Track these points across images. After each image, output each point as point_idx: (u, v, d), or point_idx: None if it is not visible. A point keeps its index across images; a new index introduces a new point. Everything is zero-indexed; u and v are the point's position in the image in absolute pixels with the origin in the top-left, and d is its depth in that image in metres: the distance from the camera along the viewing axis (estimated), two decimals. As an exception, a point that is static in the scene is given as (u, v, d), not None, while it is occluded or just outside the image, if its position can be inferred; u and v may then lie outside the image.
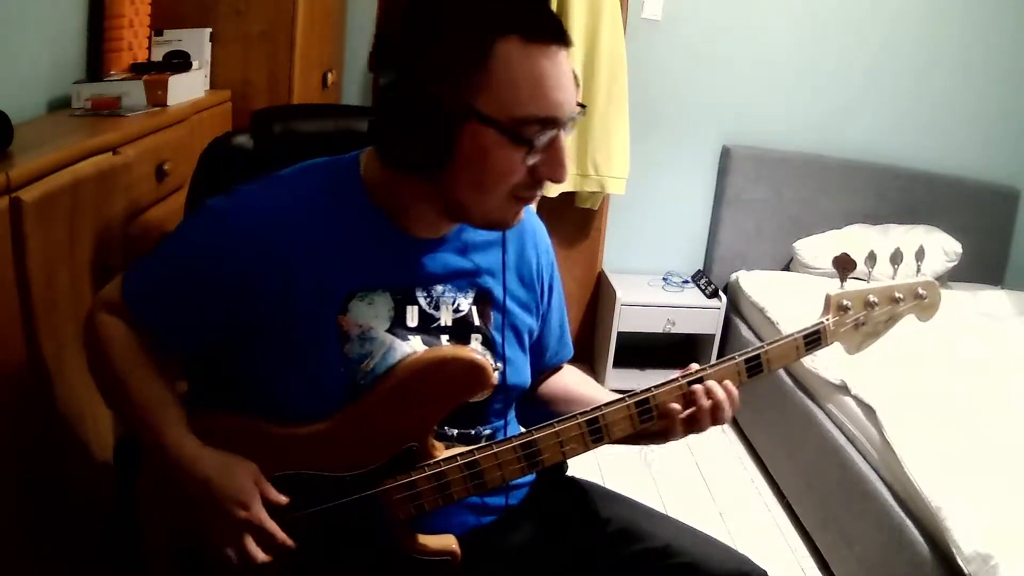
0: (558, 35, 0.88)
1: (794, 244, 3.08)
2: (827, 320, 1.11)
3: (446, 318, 1.02)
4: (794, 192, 3.12)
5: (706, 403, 0.99)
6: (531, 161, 0.89)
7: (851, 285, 1.13)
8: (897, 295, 1.15)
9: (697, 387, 1.00)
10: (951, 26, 3.13)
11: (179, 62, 1.79)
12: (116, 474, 1.11)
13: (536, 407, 1.18)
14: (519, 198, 0.93)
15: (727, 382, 1.02)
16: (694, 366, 1.03)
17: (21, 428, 1.06)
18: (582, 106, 0.94)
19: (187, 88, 1.75)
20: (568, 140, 0.92)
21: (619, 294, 2.92)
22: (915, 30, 3.11)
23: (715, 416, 1.00)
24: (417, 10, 0.88)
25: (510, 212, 0.95)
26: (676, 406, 0.99)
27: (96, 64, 1.68)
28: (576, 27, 2.64)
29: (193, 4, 1.95)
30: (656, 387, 1.00)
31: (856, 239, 2.97)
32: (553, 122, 0.88)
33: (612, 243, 3.15)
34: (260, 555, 0.91)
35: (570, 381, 1.21)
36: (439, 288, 1.02)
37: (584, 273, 3.13)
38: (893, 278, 1.16)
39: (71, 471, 1.19)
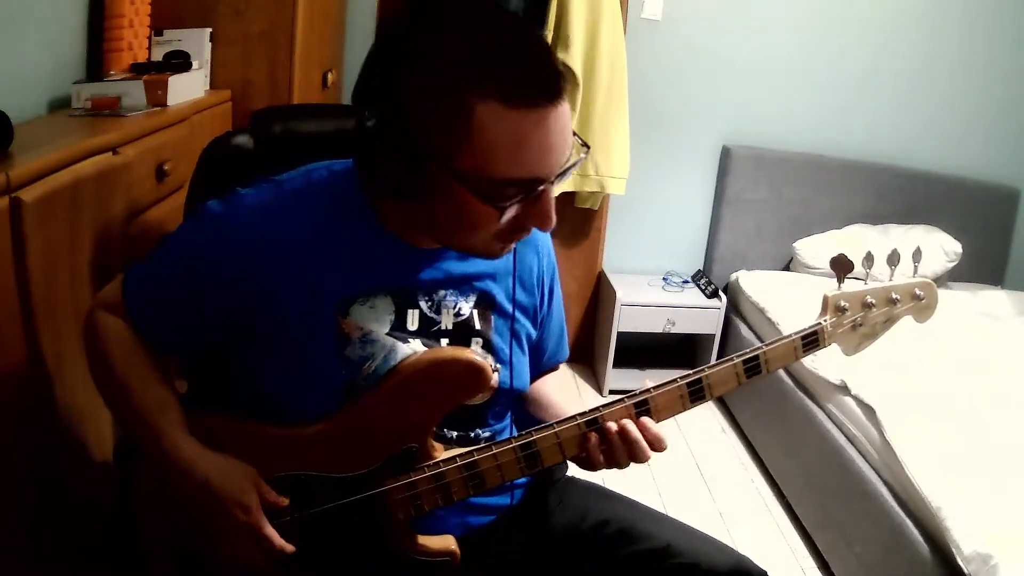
0: (546, 92, 0.83)
1: (794, 244, 3.08)
2: (825, 321, 1.11)
3: (447, 322, 1.02)
4: (794, 192, 3.12)
5: (617, 439, 0.96)
6: (507, 217, 0.87)
7: (848, 286, 1.13)
8: (894, 296, 1.15)
9: (610, 424, 0.96)
10: (951, 26, 3.13)
11: (179, 62, 1.79)
12: (116, 474, 1.11)
13: (520, 406, 1.18)
14: (504, 239, 0.93)
15: (645, 421, 0.97)
16: (648, 382, 1.00)
17: (21, 428, 1.06)
18: (586, 146, 0.92)
19: (187, 88, 1.75)
20: None
21: (619, 294, 2.92)
22: (915, 30, 3.11)
23: (632, 455, 0.97)
24: (402, 56, 0.85)
25: (494, 248, 0.94)
26: (594, 441, 0.96)
27: (96, 64, 1.68)
28: (576, 27, 2.64)
29: (193, 4, 1.95)
30: (606, 405, 0.98)
31: (856, 239, 2.97)
32: (536, 183, 0.86)
33: (612, 243, 3.15)
34: (258, 558, 0.91)
35: (551, 391, 1.19)
36: (441, 292, 1.02)
37: (584, 273, 3.13)
38: (891, 279, 1.16)
39: (71, 471, 1.19)
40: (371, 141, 0.87)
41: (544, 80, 0.84)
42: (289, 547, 0.92)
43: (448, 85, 0.82)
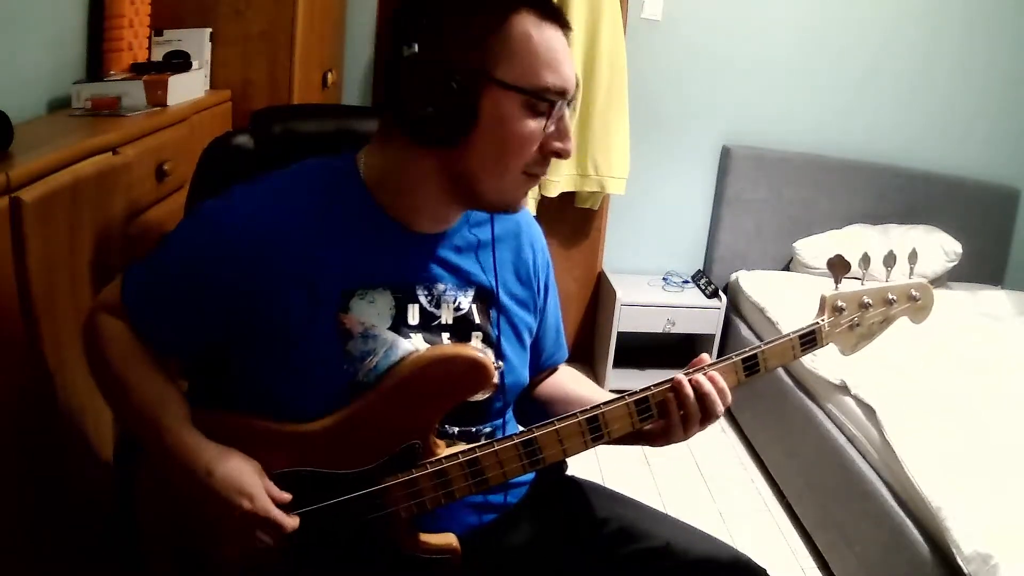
0: (564, 19, 0.93)
1: (794, 244, 3.08)
2: (822, 321, 1.11)
3: (447, 316, 1.02)
4: (794, 192, 3.12)
5: (688, 392, 0.99)
6: (549, 130, 0.92)
7: (846, 286, 1.14)
8: (891, 297, 1.16)
9: (680, 378, 0.99)
10: (951, 26, 3.13)
11: (179, 62, 1.79)
12: (116, 474, 1.11)
13: (534, 409, 1.18)
14: (529, 175, 0.95)
15: (714, 374, 1.01)
16: (705, 357, 1.02)
17: (21, 428, 1.06)
18: (577, 85, 0.98)
19: (187, 88, 1.75)
20: None
21: (619, 294, 2.92)
22: (915, 30, 3.11)
23: (704, 410, 0.99)
24: None
25: (521, 191, 0.97)
26: (672, 399, 0.99)
27: (96, 64, 1.68)
28: (576, 27, 2.64)
29: (193, 4, 1.95)
30: (655, 385, 1.00)
31: (856, 239, 2.97)
32: (564, 94, 0.92)
33: (612, 243, 3.15)
34: (267, 543, 0.91)
35: (567, 381, 1.21)
36: (440, 286, 1.02)
37: (584, 273, 3.13)
38: (887, 280, 1.17)
39: (71, 471, 1.19)
40: (414, 73, 0.90)
41: (560, 9, 0.94)
42: (296, 522, 0.92)
43: (483, 4, 0.90)
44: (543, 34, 0.90)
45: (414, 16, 0.91)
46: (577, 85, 0.96)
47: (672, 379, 1.00)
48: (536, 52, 0.90)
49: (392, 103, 0.94)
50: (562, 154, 0.95)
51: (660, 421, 1.01)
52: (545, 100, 0.91)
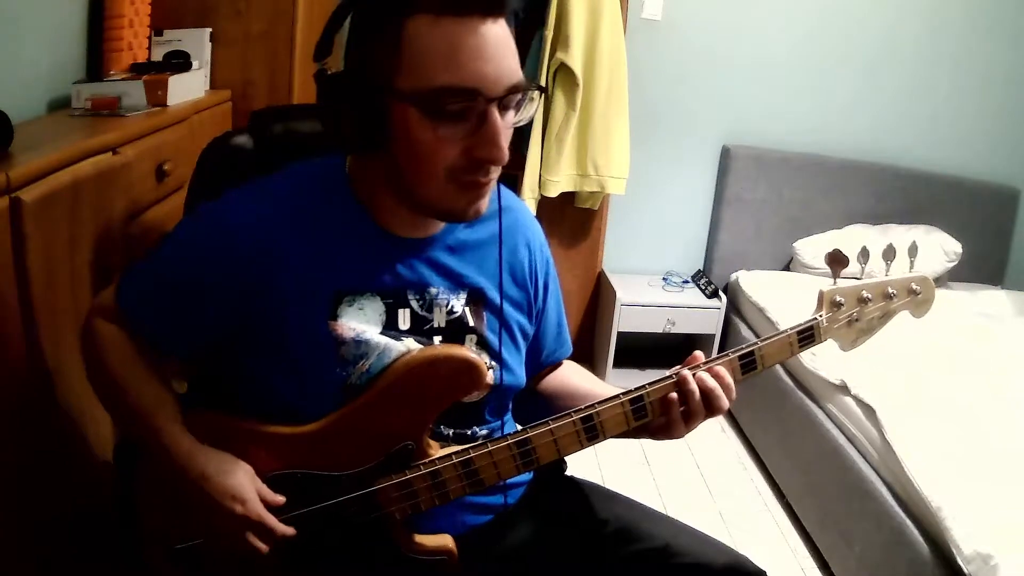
0: (477, 5, 0.84)
1: (794, 244, 3.08)
2: (820, 316, 1.10)
3: (439, 320, 1.02)
4: (794, 192, 3.12)
5: (693, 387, 0.98)
6: (454, 135, 0.86)
7: (844, 282, 1.13)
8: (890, 291, 1.14)
9: (685, 373, 0.99)
10: (951, 26, 3.13)
11: (179, 62, 1.79)
12: (116, 474, 1.11)
13: (537, 404, 1.18)
14: (461, 183, 0.90)
15: (719, 370, 1.00)
16: (699, 355, 1.02)
17: (21, 428, 1.06)
18: (542, 89, 0.94)
19: (187, 88, 1.75)
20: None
21: (619, 294, 2.92)
22: (915, 30, 3.11)
23: (709, 406, 0.99)
24: (344, 4, 0.90)
25: (458, 200, 0.92)
26: (674, 397, 0.98)
27: (96, 64, 1.68)
28: (576, 27, 2.64)
29: (193, 4, 1.95)
30: (651, 384, 0.99)
31: (856, 239, 2.97)
32: (473, 93, 0.85)
33: (612, 243, 3.15)
34: (260, 548, 0.91)
35: (571, 376, 1.21)
36: (432, 290, 1.01)
37: (584, 273, 3.13)
38: (887, 274, 1.16)
39: (71, 471, 1.19)
40: (328, 94, 0.89)
41: None
42: (289, 530, 0.92)
43: (378, 14, 0.87)
44: (439, 32, 0.84)
45: (328, 32, 0.90)
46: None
47: (677, 374, 0.99)
48: (428, 53, 0.84)
49: (319, 117, 0.93)
50: (490, 161, 0.88)
51: (661, 417, 1.00)
52: (440, 103, 0.85)
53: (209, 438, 0.94)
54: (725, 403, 1.00)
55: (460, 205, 0.93)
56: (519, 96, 0.90)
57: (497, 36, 0.86)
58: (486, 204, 0.95)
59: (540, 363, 1.19)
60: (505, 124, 0.89)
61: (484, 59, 0.85)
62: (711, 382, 0.99)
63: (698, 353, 1.02)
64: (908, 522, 1.75)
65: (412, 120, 0.86)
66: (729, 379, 1.01)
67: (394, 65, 0.86)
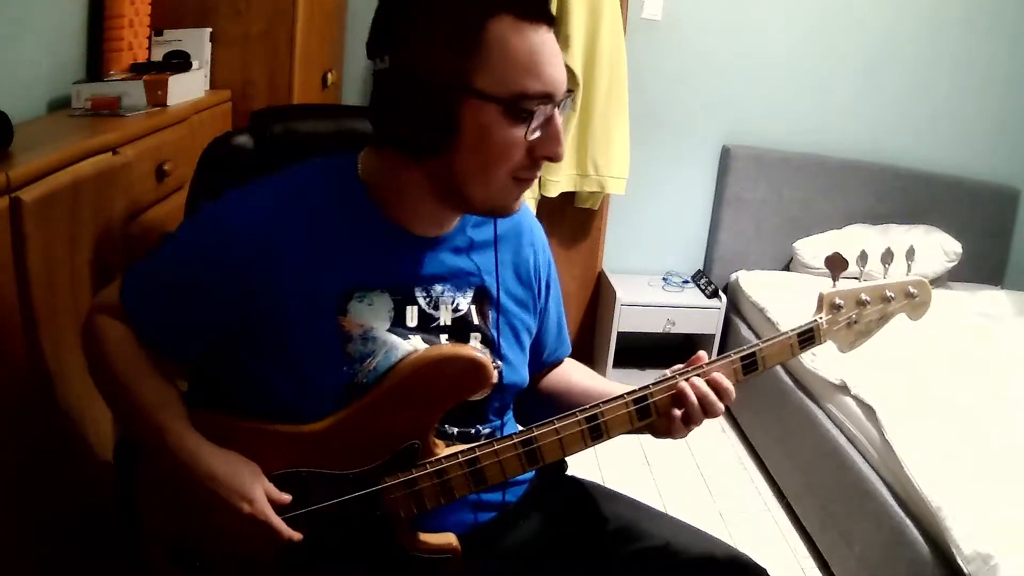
0: (547, 15, 0.90)
1: (794, 244, 3.08)
2: (820, 318, 1.11)
3: (445, 317, 1.02)
4: (794, 192, 3.12)
5: (693, 399, 0.99)
6: (532, 138, 0.90)
7: (843, 284, 1.14)
8: (888, 294, 1.15)
9: (682, 384, 0.99)
10: (951, 26, 3.13)
11: (179, 62, 1.79)
12: (116, 474, 1.11)
13: (539, 403, 1.18)
14: (519, 180, 0.94)
15: (716, 375, 1.01)
16: (703, 355, 1.02)
17: (21, 428, 1.06)
18: (570, 91, 0.95)
19: (187, 88, 1.75)
20: (568, 140, 0.93)
21: (619, 294, 2.92)
22: (915, 30, 3.11)
23: (707, 411, 0.99)
24: None
25: (511, 196, 0.95)
26: (676, 411, 0.99)
27: (96, 64, 1.68)
28: (576, 27, 2.64)
29: (193, 4, 1.96)
30: (655, 384, 1.00)
31: (856, 239, 2.97)
32: (550, 97, 0.89)
33: (612, 243, 3.15)
34: (265, 549, 0.91)
35: (572, 373, 1.21)
36: (438, 288, 1.02)
37: (584, 273, 3.13)
38: (884, 277, 1.17)
39: (71, 471, 1.19)
40: (388, 89, 0.89)
41: (544, 3, 0.91)
42: (296, 535, 0.92)
43: (459, 11, 0.86)
44: (522, 38, 0.87)
45: (390, 25, 0.90)
46: (576, 84, 0.95)
47: (675, 385, 1.00)
48: (514, 58, 0.87)
49: (374, 115, 0.94)
50: (553, 158, 0.93)
51: (662, 418, 1.00)
52: (525, 107, 0.88)
53: (214, 437, 0.94)
54: (721, 408, 1.00)
55: (510, 201, 0.96)
56: (567, 97, 0.94)
57: (557, 44, 0.92)
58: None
59: (542, 362, 1.19)
60: None
61: (555, 65, 0.90)
62: (704, 389, 0.99)
63: (701, 354, 1.03)
64: (908, 522, 1.75)
65: (491, 120, 0.88)
66: (728, 384, 1.01)
67: (474, 65, 0.86)
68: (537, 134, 0.90)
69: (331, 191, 0.98)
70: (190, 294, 0.96)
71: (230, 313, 0.95)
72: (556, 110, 0.91)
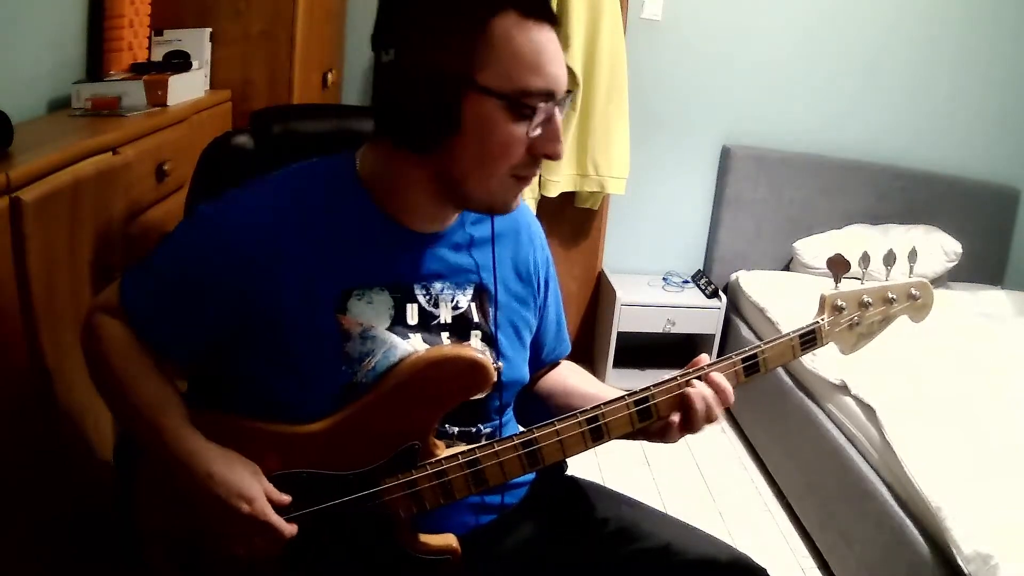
0: (550, 14, 0.91)
1: (794, 244, 3.08)
2: (822, 320, 1.11)
3: (445, 315, 1.02)
4: (794, 192, 3.12)
5: (700, 406, 0.99)
6: (533, 135, 0.90)
7: (845, 286, 1.14)
8: (891, 296, 1.15)
9: (690, 391, 0.99)
10: (951, 26, 3.13)
11: (179, 62, 1.79)
12: (116, 474, 1.11)
13: (534, 403, 1.18)
14: (518, 177, 0.94)
15: (717, 379, 1.01)
16: (704, 357, 1.02)
17: (21, 428, 1.06)
18: (569, 91, 0.96)
19: (187, 88, 1.75)
20: (568, 140, 0.93)
21: (619, 294, 2.92)
22: (915, 30, 3.11)
23: (707, 417, 1.00)
24: None
25: (510, 193, 0.96)
26: (675, 415, 0.99)
27: (96, 64, 1.68)
28: (576, 27, 2.64)
29: (193, 4, 1.95)
30: (655, 385, 1.00)
31: (856, 239, 2.97)
32: (552, 95, 0.90)
33: (612, 243, 3.15)
34: (265, 548, 0.91)
35: (568, 377, 1.21)
36: (438, 285, 1.02)
37: (584, 273, 3.13)
38: (887, 279, 1.17)
39: (71, 471, 1.19)
40: (392, 81, 0.89)
41: (547, 2, 0.91)
42: (294, 528, 0.92)
43: (464, 6, 0.87)
44: (526, 34, 0.88)
45: (395, 19, 0.90)
46: (576, 84, 0.95)
47: (678, 387, 1.00)
48: (518, 54, 0.87)
49: (376, 107, 0.94)
50: (552, 156, 0.93)
51: (660, 422, 1.00)
52: (528, 103, 0.88)
53: (213, 437, 0.94)
54: (718, 412, 1.00)
55: (509, 198, 0.96)
56: (567, 97, 0.95)
57: (557, 43, 0.92)
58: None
59: (541, 361, 1.19)
60: None
61: (557, 64, 0.91)
62: (710, 396, 0.99)
63: (703, 356, 1.02)
64: (908, 522, 1.75)
65: (493, 116, 0.88)
66: (727, 385, 1.01)
67: (479, 60, 0.87)
68: (538, 131, 0.91)
69: (329, 190, 0.98)
70: (189, 294, 0.96)
71: (230, 313, 0.95)
72: (556, 109, 0.91)
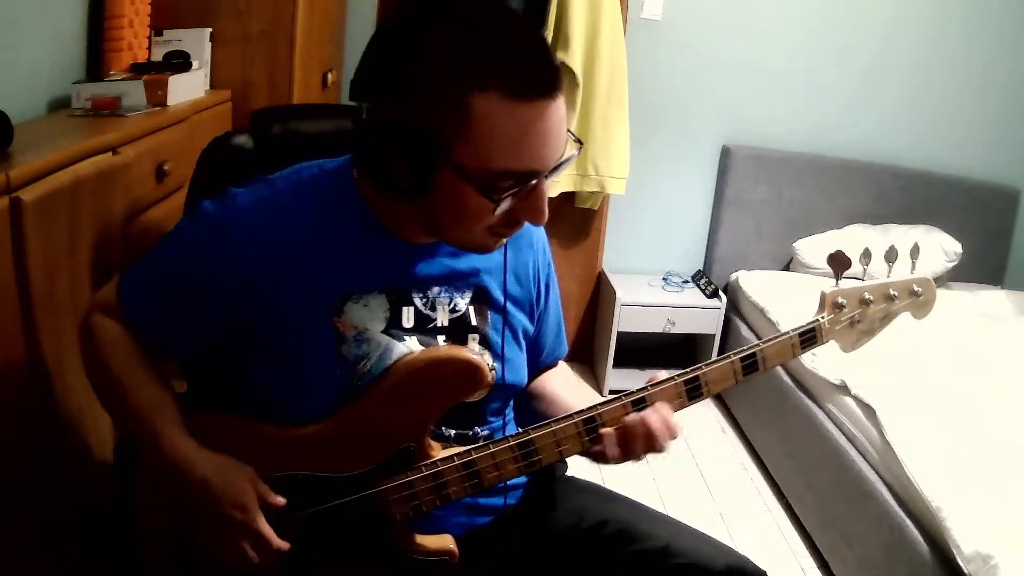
0: (546, 86, 0.84)
1: (794, 244, 3.08)
2: (822, 318, 1.10)
3: (442, 319, 1.02)
4: (794, 192, 3.12)
5: (640, 431, 0.96)
6: (502, 210, 0.88)
7: (846, 283, 1.13)
8: (892, 293, 1.14)
9: (632, 418, 0.97)
10: (951, 26, 3.13)
11: (179, 62, 1.79)
12: (116, 474, 1.11)
13: (529, 405, 1.18)
14: (497, 234, 0.93)
15: (664, 410, 0.98)
16: (662, 374, 1.01)
17: (21, 428, 1.06)
18: (579, 142, 0.93)
19: (187, 88, 1.75)
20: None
21: (619, 294, 2.92)
22: (915, 30, 3.11)
23: (648, 446, 0.97)
24: (401, 51, 0.86)
25: (489, 242, 0.95)
26: (610, 432, 0.97)
27: (96, 64, 1.68)
28: (576, 27, 2.64)
29: (193, 4, 1.96)
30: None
31: (856, 239, 2.97)
32: (532, 175, 0.86)
33: (612, 243, 3.15)
34: (255, 558, 0.91)
35: (556, 383, 1.20)
36: (435, 289, 1.02)
37: (584, 273, 3.13)
38: (888, 276, 1.16)
39: (71, 471, 1.19)
40: (370, 136, 0.88)
41: (543, 74, 0.85)
42: (285, 544, 0.91)
43: (448, 78, 0.83)
44: (510, 117, 0.82)
45: (380, 74, 0.87)
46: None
47: (623, 424, 0.97)
48: (498, 138, 0.83)
49: (354, 154, 0.93)
50: (535, 224, 0.92)
51: (595, 445, 0.98)
52: (498, 185, 0.85)
53: (210, 440, 0.94)
54: (666, 446, 0.98)
55: (489, 245, 0.95)
56: (563, 163, 0.90)
57: (559, 113, 0.86)
58: None
59: (539, 363, 1.19)
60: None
61: (548, 144, 0.86)
62: (654, 424, 0.96)
63: (660, 373, 1.00)
64: (908, 522, 1.75)
65: (463, 190, 0.86)
66: (672, 421, 0.97)
67: (456, 135, 0.83)
68: (505, 207, 0.87)
69: (328, 194, 0.98)
70: (188, 293, 0.96)
71: (229, 312, 0.95)
72: (543, 180, 0.88)
